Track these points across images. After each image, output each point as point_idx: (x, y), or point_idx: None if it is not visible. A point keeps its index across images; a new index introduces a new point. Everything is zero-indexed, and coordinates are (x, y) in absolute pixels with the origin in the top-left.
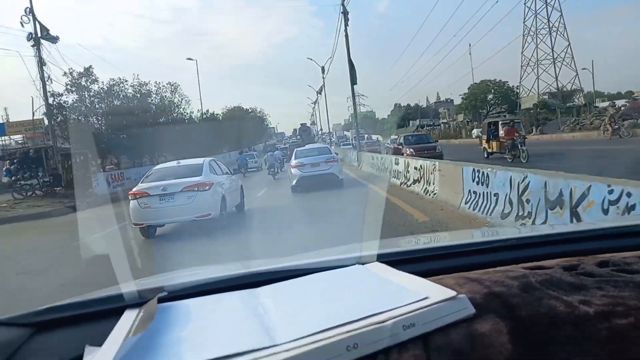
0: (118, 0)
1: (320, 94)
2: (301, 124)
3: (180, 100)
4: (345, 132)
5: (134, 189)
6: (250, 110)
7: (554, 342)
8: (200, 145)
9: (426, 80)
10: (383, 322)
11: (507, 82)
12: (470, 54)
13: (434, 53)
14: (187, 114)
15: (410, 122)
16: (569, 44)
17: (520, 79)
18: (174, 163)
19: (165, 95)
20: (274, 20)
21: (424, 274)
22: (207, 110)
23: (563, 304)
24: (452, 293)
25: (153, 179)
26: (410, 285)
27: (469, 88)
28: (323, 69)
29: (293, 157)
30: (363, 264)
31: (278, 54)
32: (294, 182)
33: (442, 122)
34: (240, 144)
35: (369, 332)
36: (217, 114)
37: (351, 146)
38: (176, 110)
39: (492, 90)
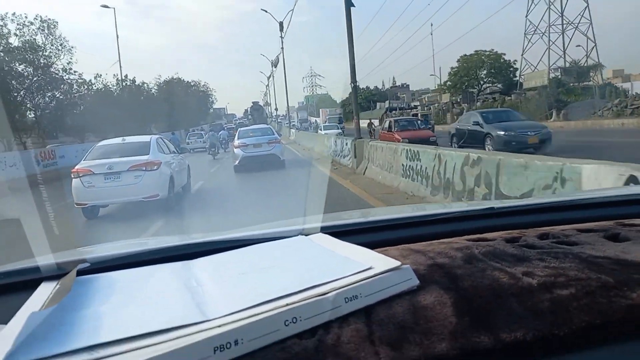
0: None
1: (276, 67)
2: (253, 103)
3: (54, 45)
4: (311, 118)
5: (77, 166)
6: (192, 84)
7: (497, 314)
8: (113, 121)
9: (385, 63)
10: (324, 294)
11: (504, 54)
12: (431, 34)
13: (394, 34)
14: (64, 66)
15: (377, 104)
16: (587, 6)
17: (523, 50)
18: (118, 140)
19: (34, 39)
20: None
21: (368, 246)
22: (126, 76)
23: (506, 275)
24: (397, 263)
25: (97, 156)
26: (354, 256)
27: (458, 61)
28: (281, 24)
29: (236, 137)
30: (307, 235)
31: (233, 31)
32: (237, 162)
33: (417, 105)
34: (177, 122)
35: (309, 305)
36: (144, 84)
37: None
38: (44, 58)
39: (486, 64)
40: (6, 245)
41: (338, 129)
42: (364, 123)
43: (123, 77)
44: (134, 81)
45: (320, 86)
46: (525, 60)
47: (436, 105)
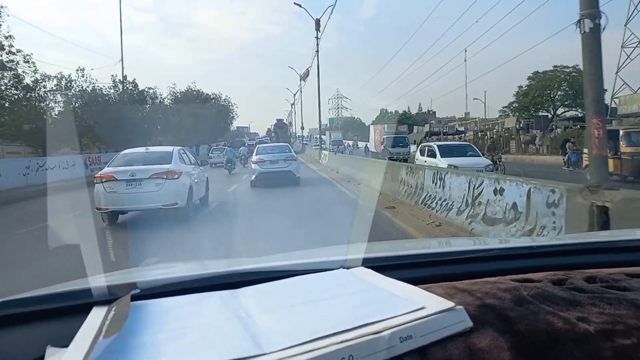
0: None
1: (305, 80)
2: (277, 120)
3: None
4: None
5: (101, 172)
6: (211, 97)
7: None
8: (99, 129)
9: (416, 88)
10: (379, 332)
11: None
12: (465, 60)
13: (425, 60)
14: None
15: (414, 127)
16: None
17: (618, 67)
18: (142, 149)
19: None
20: (257, 16)
21: (410, 281)
22: (126, 77)
23: (561, 320)
24: (450, 304)
25: (120, 164)
26: (402, 293)
27: (529, 78)
28: (318, 22)
29: (254, 153)
30: (347, 267)
31: (259, 52)
32: (253, 177)
33: (462, 130)
34: (191, 136)
35: (365, 343)
36: (150, 89)
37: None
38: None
39: (564, 83)
40: None
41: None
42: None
43: (121, 79)
44: (135, 85)
45: (346, 108)
46: (621, 79)
47: (494, 131)
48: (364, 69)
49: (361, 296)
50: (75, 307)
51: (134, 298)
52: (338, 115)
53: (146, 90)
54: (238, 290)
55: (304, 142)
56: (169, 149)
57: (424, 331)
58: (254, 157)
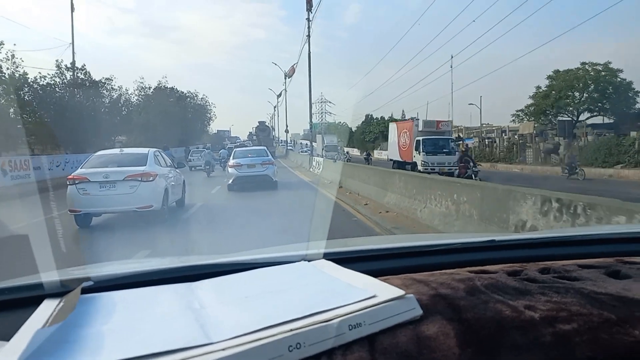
0: None
1: (290, 77)
2: (259, 122)
3: None
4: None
5: (73, 174)
6: (186, 95)
7: (501, 347)
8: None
9: (400, 94)
10: (328, 320)
11: (620, 70)
12: (451, 67)
13: (411, 67)
14: None
15: None
16: None
17: None
18: (116, 150)
19: None
20: (241, 20)
21: (370, 274)
22: (74, 64)
23: (509, 308)
24: (400, 292)
25: (94, 165)
26: (357, 284)
27: (549, 77)
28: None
29: (231, 156)
30: (309, 261)
31: (242, 56)
32: (230, 181)
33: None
34: (162, 137)
35: (313, 331)
36: (108, 80)
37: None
38: None
39: (590, 82)
40: None
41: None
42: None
43: (68, 65)
44: (86, 73)
45: (330, 113)
46: None
47: (508, 137)
48: (349, 75)
49: (317, 287)
50: (26, 300)
51: (88, 291)
52: (322, 120)
53: (103, 81)
54: (195, 283)
55: (289, 147)
56: (144, 150)
57: (373, 319)
58: (231, 161)
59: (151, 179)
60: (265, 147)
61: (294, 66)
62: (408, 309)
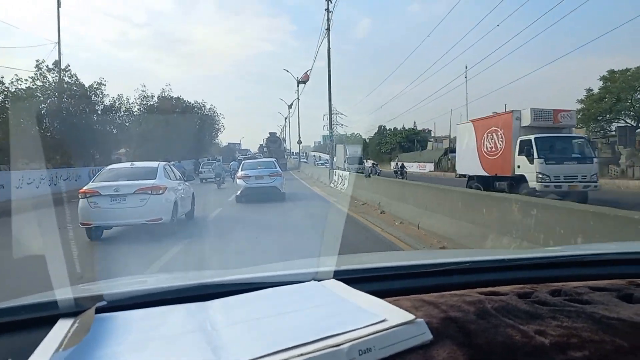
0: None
1: (304, 83)
2: (270, 134)
3: None
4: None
5: (85, 187)
6: (193, 105)
7: None
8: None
9: (411, 106)
10: (339, 345)
11: None
12: (465, 77)
13: (423, 79)
14: None
15: (428, 144)
16: None
17: None
18: (127, 164)
19: None
20: (251, 34)
21: (380, 294)
22: (58, 64)
23: (519, 333)
24: (410, 317)
25: (105, 179)
26: (367, 306)
27: (603, 78)
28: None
29: (240, 168)
30: (319, 280)
31: (253, 70)
32: (239, 192)
33: None
34: (167, 150)
35: (323, 356)
36: (101, 85)
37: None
38: None
39: None
40: None
41: None
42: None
43: (50, 66)
44: (72, 76)
45: (342, 125)
46: None
47: None
48: (359, 88)
49: (327, 309)
50: (41, 320)
51: (101, 310)
52: (334, 131)
53: (94, 86)
54: (206, 303)
55: (302, 159)
56: (154, 164)
57: (383, 344)
58: (240, 173)
59: (161, 192)
60: (273, 159)
61: (308, 72)
62: (418, 334)
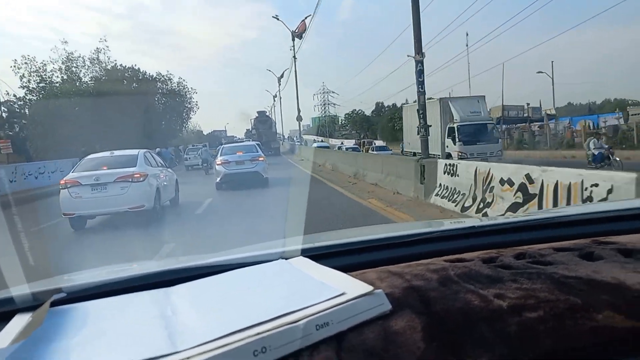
0: None
1: (301, 37)
2: (258, 113)
3: None
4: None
5: (65, 178)
6: (157, 78)
7: (465, 339)
8: None
9: (409, 84)
10: (295, 322)
11: None
12: (467, 46)
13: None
14: None
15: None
16: None
17: None
18: (107, 153)
19: None
20: (233, 22)
21: (348, 268)
22: None
23: (478, 298)
24: (369, 288)
25: (85, 169)
26: (330, 281)
27: None
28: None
29: (219, 153)
30: (287, 258)
31: (237, 56)
32: (218, 179)
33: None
34: (125, 137)
35: (279, 333)
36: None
37: None
38: None
39: None
40: None
41: None
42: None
43: None
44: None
45: (334, 104)
46: None
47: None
48: (352, 65)
49: (291, 287)
50: None
51: (61, 303)
52: (325, 112)
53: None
54: (171, 288)
55: (297, 141)
56: (134, 152)
57: (341, 317)
58: (219, 158)
59: (141, 179)
60: (255, 143)
61: (305, 20)
62: (377, 305)
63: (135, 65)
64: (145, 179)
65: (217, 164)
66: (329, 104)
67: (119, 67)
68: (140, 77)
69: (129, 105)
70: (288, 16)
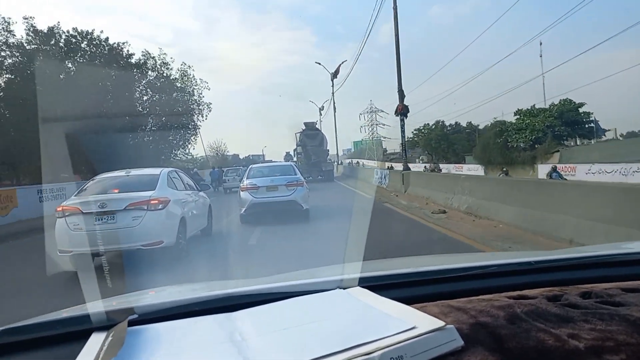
0: (126, 21)
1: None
2: (306, 124)
3: None
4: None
5: (63, 203)
6: (117, 48)
7: None
8: None
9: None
10: (369, 353)
11: None
12: (540, 56)
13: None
14: None
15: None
16: None
17: None
18: (122, 172)
19: None
20: (274, 49)
21: (406, 300)
22: None
23: (552, 337)
24: (441, 323)
25: (91, 192)
26: (395, 313)
27: None
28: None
29: (245, 176)
30: (344, 288)
31: (278, 80)
32: (243, 209)
33: None
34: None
35: None
36: None
37: None
38: None
39: None
40: None
41: None
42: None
43: None
44: None
45: (383, 125)
46: None
47: None
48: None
49: (354, 317)
50: (74, 334)
51: (132, 323)
52: (372, 133)
53: None
54: (234, 314)
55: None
56: (155, 171)
57: (414, 351)
58: (245, 182)
59: (160, 206)
60: (291, 164)
61: (340, 65)
62: (449, 340)
63: (102, 33)
64: (166, 207)
65: (242, 190)
66: (377, 124)
67: (54, 29)
68: (100, 49)
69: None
70: (325, 38)
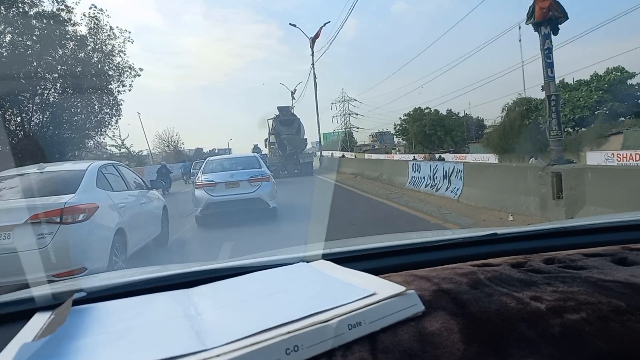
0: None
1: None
2: (280, 109)
3: None
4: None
5: None
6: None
7: (507, 340)
8: None
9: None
10: (327, 321)
11: None
12: (519, 40)
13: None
14: None
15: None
16: None
17: None
18: (32, 169)
19: None
20: (239, 43)
21: (370, 273)
22: None
23: (514, 300)
24: (401, 289)
25: None
26: (357, 282)
27: None
28: None
29: (201, 170)
30: (308, 262)
31: (242, 76)
32: (199, 209)
33: None
34: None
35: (311, 332)
36: None
37: None
38: None
39: None
40: None
41: None
42: None
43: None
44: None
45: (356, 115)
46: None
47: None
48: (374, 75)
49: (316, 288)
50: (16, 315)
51: (81, 302)
52: (345, 124)
53: None
54: (192, 289)
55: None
56: (81, 166)
57: (373, 317)
58: (200, 178)
59: (82, 217)
60: (256, 155)
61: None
62: (409, 305)
63: None
64: (91, 217)
65: (197, 187)
66: (349, 114)
67: None
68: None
69: None
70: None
